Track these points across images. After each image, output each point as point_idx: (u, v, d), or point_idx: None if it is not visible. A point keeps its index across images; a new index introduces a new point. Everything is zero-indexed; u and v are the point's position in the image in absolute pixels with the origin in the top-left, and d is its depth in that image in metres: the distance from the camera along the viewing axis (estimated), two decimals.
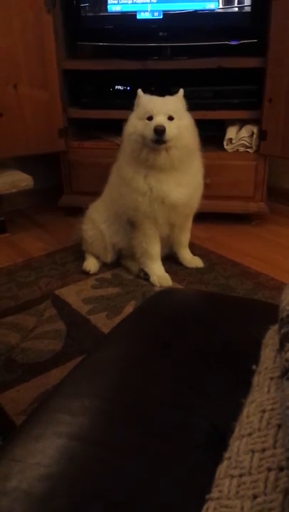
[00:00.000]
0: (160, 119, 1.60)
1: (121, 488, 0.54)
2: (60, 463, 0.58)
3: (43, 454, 0.59)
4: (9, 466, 0.58)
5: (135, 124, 1.67)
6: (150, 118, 1.62)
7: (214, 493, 0.50)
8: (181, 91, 1.71)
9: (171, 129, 1.60)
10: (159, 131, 1.58)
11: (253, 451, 0.50)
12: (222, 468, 0.53)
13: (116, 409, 0.65)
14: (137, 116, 1.67)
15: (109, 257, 1.96)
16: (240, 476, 0.49)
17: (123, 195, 1.76)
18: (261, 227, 2.30)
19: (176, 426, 0.62)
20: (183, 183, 1.72)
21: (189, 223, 1.93)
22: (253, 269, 1.93)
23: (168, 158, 1.65)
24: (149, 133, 1.60)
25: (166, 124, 1.60)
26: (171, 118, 1.63)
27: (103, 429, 0.62)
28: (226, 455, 0.54)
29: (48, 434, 0.62)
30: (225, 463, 0.53)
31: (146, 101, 1.67)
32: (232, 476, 0.50)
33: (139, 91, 1.70)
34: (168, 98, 1.70)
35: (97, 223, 1.92)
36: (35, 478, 0.56)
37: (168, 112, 1.63)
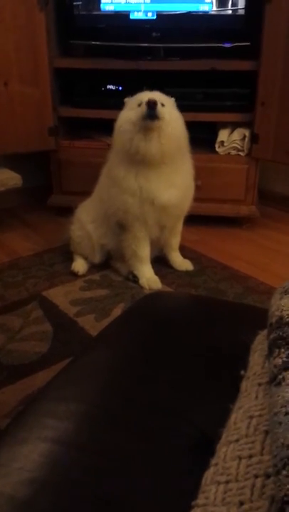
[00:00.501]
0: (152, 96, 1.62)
1: (105, 493, 0.54)
2: (44, 467, 0.57)
3: (27, 458, 0.58)
4: None
5: (125, 115, 1.67)
6: (140, 104, 1.63)
7: (200, 500, 0.50)
8: (173, 99, 1.72)
9: (162, 110, 1.61)
10: (151, 103, 1.57)
11: (240, 458, 0.50)
12: (209, 475, 0.52)
13: (102, 414, 0.64)
14: (128, 109, 1.68)
15: (97, 258, 1.94)
16: (227, 482, 0.49)
17: (113, 196, 1.75)
18: (252, 230, 2.31)
19: (163, 431, 0.62)
20: (173, 183, 1.71)
21: (180, 226, 1.93)
22: (243, 272, 1.93)
23: (160, 148, 1.63)
24: (141, 111, 1.60)
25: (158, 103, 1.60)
26: (162, 105, 1.63)
27: (88, 433, 0.61)
28: (213, 461, 0.53)
29: (32, 438, 0.61)
30: (212, 469, 0.52)
31: (136, 95, 1.69)
32: (218, 483, 0.50)
33: (126, 99, 1.72)
34: (157, 92, 1.71)
35: (85, 223, 1.91)
36: (18, 483, 0.55)
37: (159, 99, 1.63)
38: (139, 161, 1.66)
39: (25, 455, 0.59)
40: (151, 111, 1.58)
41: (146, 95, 1.64)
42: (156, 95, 1.66)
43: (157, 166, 1.67)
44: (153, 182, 1.68)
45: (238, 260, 2.03)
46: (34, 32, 2.08)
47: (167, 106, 1.66)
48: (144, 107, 1.59)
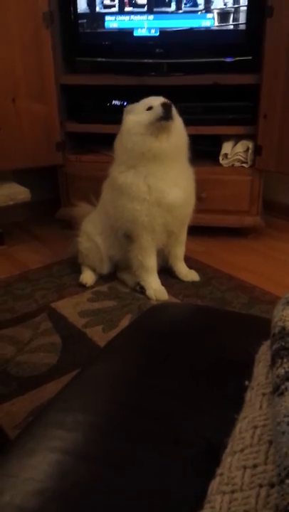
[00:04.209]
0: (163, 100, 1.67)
1: (113, 503, 0.54)
2: (53, 478, 0.58)
3: (36, 468, 0.59)
4: (2, 481, 0.58)
5: (134, 119, 1.70)
6: (150, 108, 1.67)
7: (206, 510, 0.50)
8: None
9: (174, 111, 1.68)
10: (167, 105, 1.64)
11: (244, 468, 0.51)
12: (214, 485, 0.53)
13: (109, 424, 0.65)
14: (135, 114, 1.71)
15: (105, 268, 1.96)
16: (232, 492, 0.50)
17: (120, 207, 1.77)
18: (257, 240, 2.32)
19: (170, 441, 0.63)
20: (178, 183, 1.74)
21: (184, 235, 1.95)
22: (248, 282, 1.94)
23: (169, 145, 1.69)
24: (156, 112, 1.65)
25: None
26: None
27: (96, 444, 0.62)
28: (219, 471, 0.54)
29: (41, 449, 0.62)
30: (217, 479, 0.53)
31: (140, 101, 1.74)
32: (224, 493, 0.50)
33: (127, 106, 1.77)
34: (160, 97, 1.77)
35: (92, 236, 1.93)
36: (28, 493, 0.56)
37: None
38: (149, 159, 1.70)
39: (34, 466, 0.60)
40: (168, 113, 1.64)
41: (154, 100, 1.70)
42: (162, 99, 1.71)
43: (165, 164, 1.71)
44: (160, 182, 1.72)
45: (243, 270, 2.04)
46: (40, 50, 2.13)
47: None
48: (158, 110, 1.65)
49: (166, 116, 1.64)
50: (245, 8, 2.05)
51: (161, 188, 1.72)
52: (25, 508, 0.54)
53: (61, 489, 0.56)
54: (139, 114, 1.70)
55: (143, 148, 1.69)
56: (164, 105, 1.64)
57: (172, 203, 1.74)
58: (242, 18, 2.07)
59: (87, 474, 0.58)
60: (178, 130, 1.72)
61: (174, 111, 1.71)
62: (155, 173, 1.72)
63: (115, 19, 2.18)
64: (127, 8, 2.15)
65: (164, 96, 2.13)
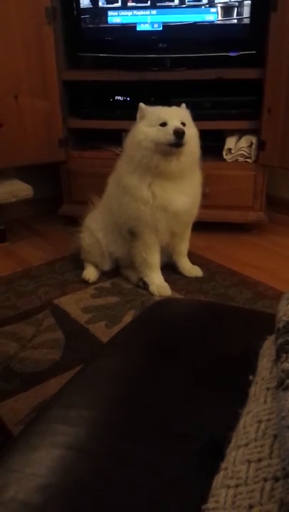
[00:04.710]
0: (177, 123, 1.62)
1: (117, 499, 0.54)
2: (57, 473, 0.58)
3: (39, 464, 0.59)
4: (6, 477, 0.58)
5: (146, 132, 1.66)
6: (164, 124, 1.63)
7: (210, 504, 0.50)
8: (184, 104, 1.75)
9: (187, 133, 1.63)
10: (180, 133, 1.60)
11: (249, 462, 0.50)
12: (219, 479, 0.53)
13: (112, 420, 0.65)
14: (147, 125, 1.67)
15: (106, 265, 1.96)
16: (237, 486, 0.49)
17: (124, 205, 1.77)
18: (260, 236, 2.31)
19: (174, 436, 0.62)
20: (185, 191, 1.74)
21: (188, 232, 1.94)
22: (252, 278, 1.93)
23: (178, 165, 1.67)
24: (167, 137, 1.61)
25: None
26: (183, 124, 1.65)
27: (99, 439, 0.62)
28: (223, 465, 0.54)
29: (44, 445, 0.62)
30: (222, 473, 0.53)
31: (155, 109, 1.69)
32: (228, 487, 0.50)
33: (141, 104, 1.72)
34: (176, 107, 1.73)
35: (94, 232, 1.93)
36: (31, 489, 0.56)
37: (181, 118, 1.66)
38: (155, 174, 1.68)
39: (38, 461, 0.60)
40: (179, 140, 1.60)
41: (170, 115, 1.65)
42: (177, 112, 1.68)
43: (172, 180, 1.70)
44: (166, 190, 1.71)
45: (246, 266, 2.03)
46: (43, 46, 2.12)
47: (187, 123, 1.67)
48: (170, 136, 1.60)
49: (177, 143, 1.61)
50: (249, 2, 2.03)
51: (167, 196, 1.71)
52: (29, 504, 0.54)
53: (64, 485, 0.56)
54: (151, 126, 1.66)
55: (150, 164, 1.66)
56: (176, 133, 1.59)
57: (178, 210, 1.74)
58: (246, 12, 2.06)
59: (90, 470, 0.58)
60: (189, 151, 1.67)
61: (189, 122, 1.67)
62: (161, 184, 1.70)
63: (118, 14, 2.16)
64: (130, 3, 2.14)
65: (167, 91, 2.14)
